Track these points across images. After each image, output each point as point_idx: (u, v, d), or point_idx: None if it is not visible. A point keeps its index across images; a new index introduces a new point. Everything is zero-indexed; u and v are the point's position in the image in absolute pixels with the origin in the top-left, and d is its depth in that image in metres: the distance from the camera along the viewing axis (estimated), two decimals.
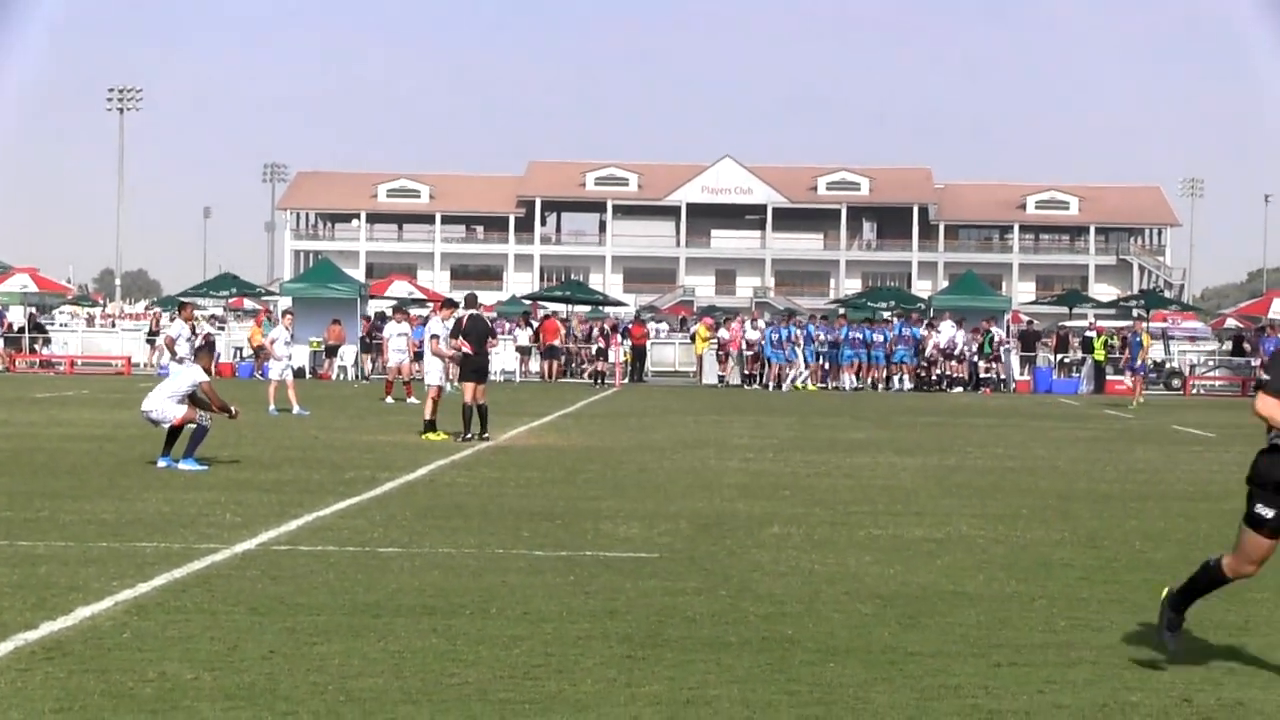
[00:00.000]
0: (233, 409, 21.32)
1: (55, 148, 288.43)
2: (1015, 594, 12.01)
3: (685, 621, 10.68)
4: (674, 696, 8.66)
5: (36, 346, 62.73)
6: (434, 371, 27.82)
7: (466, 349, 26.46)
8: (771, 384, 53.57)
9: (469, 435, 26.03)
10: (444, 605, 11.10)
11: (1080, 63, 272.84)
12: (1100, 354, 55.78)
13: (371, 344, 56.21)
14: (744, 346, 55.68)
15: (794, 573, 12.83)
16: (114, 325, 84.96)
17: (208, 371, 21.14)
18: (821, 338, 54.88)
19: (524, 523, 15.62)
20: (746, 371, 55.57)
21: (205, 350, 22.07)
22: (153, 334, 60.43)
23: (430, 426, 26.93)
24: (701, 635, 10.24)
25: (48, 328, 68.37)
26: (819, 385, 53.97)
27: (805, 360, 54.25)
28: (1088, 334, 60.22)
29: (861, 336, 54.72)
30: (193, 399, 20.81)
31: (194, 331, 30.63)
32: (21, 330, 63.47)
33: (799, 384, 53.71)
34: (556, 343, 58.36)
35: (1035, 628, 10.70)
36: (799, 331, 54.62)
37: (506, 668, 9.22)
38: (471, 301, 27.56)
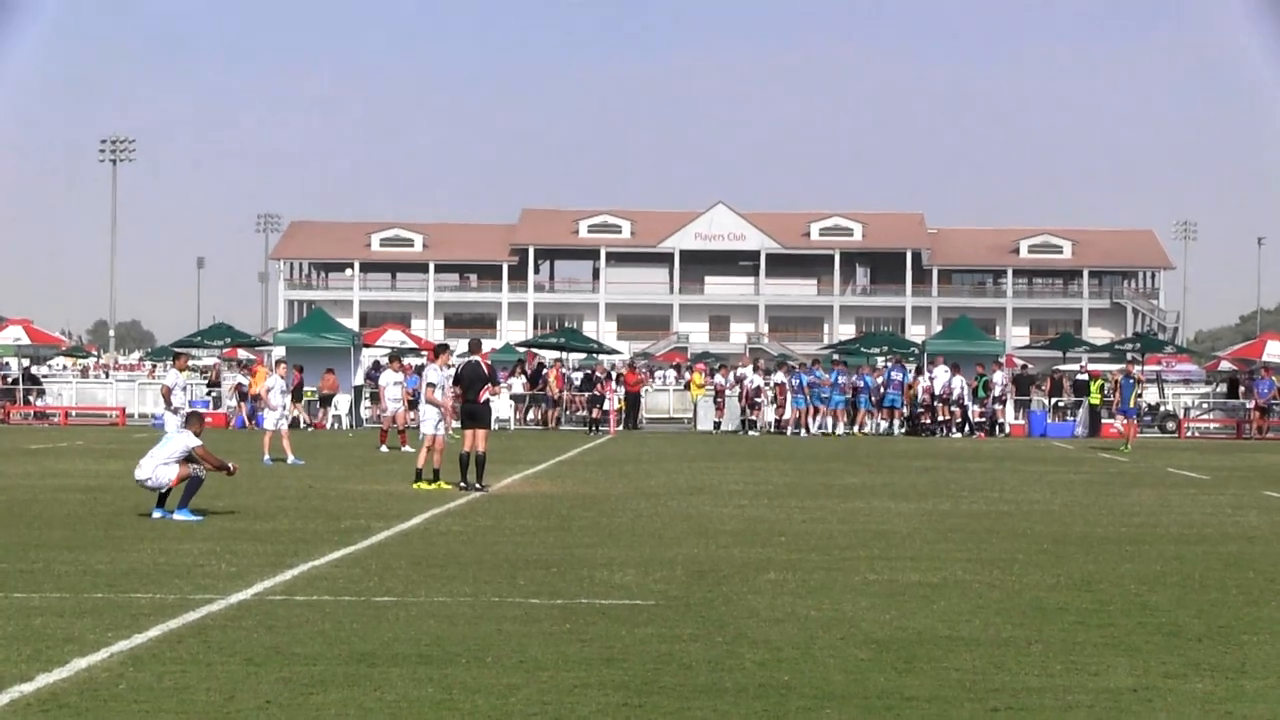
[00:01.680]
0: (230, 466, 21.30)
1: (48, 199, 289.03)
2: (1011, 638, 12.00)
3: (682, 668, 10.68)
4: None
5: (31, 398, 62.69)
6: (429, 420, 27.55)
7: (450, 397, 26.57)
8: (803, 429, 53.72)
9: (464, 484, 25.91)
10: (440, 654, 11.09)
11: (1072, 106, 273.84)
12: (1096, 397, 55.80)
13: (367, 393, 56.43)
14: (753, 392, 55.64)
15: (790, 618, 12.82)
16: (107, 376, 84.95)
17: (198, 436, 21.05)
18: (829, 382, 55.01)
19: (519, 571, 15.61)
20: (749, 417, 55.57)
21: (195, 417, 21.93)
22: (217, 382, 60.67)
23: (421, 475, 26.70)
24: (698, 682, 10.24)
25: (42, 379, 68.33)
26: (820, 430, 54.00)
27: (814, 405, 54.36)
28: (1079, 377, 60.23)
29: (849, 381, 54.80)
30: (188, 459, 20.77)
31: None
32: (15, 382, 63.46)
33: (834, 431, 53.91)
34: (545, 390, 58.53)
35: (1031, 672, 10.70)
36: (826, 376, 54.79)
37: (503, 716, 9.21)
38: (473, 347, 27.40)
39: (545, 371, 60.24)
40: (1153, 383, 65.36)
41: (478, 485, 25.82)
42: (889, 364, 57.22)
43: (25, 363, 67.53)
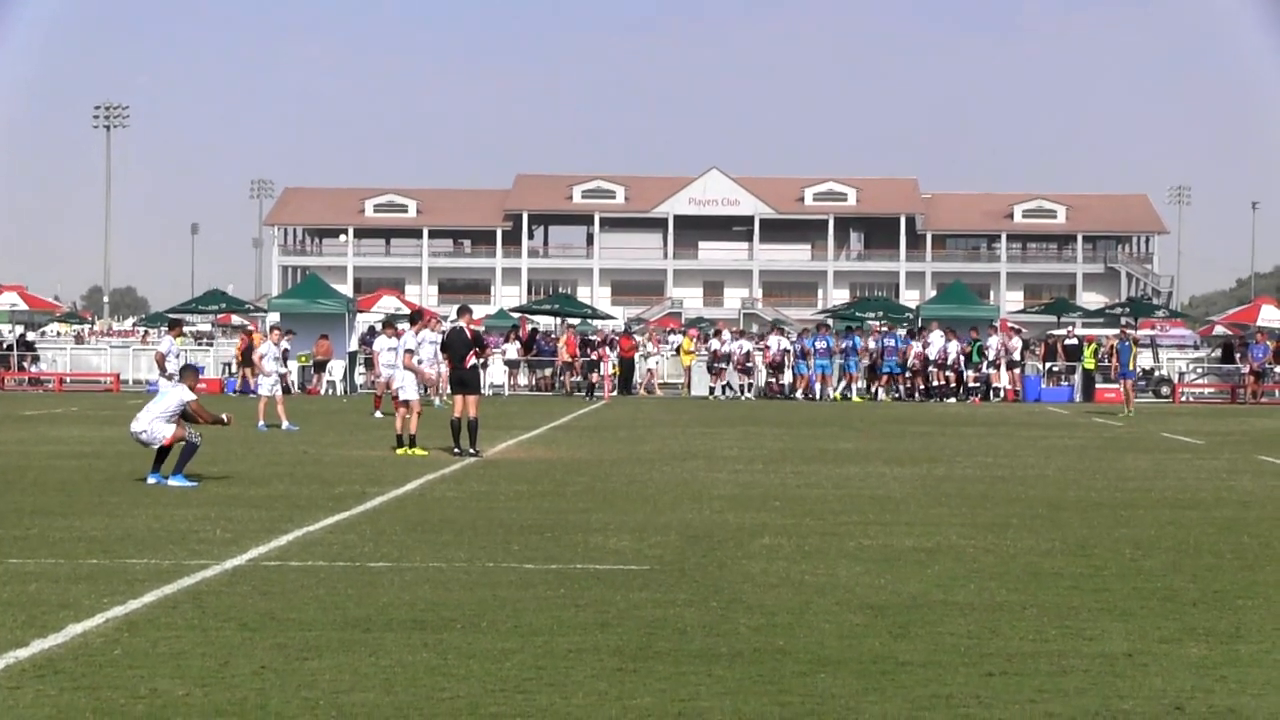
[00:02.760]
0: (225, 417, 21.41)
1: (42, 165, 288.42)
2: (1006, 603, 12.01)
3: (676, 633, 10.68)
4: (665, 709, 8.66)
5: (25, 364, 62.64)
6: (409, 387, 27.51)
7: (443, 364, 26.62)
8: (798, 393, 53.82)
9: (458, 449, 25.92)
10: (434, 619, 11.09)
11: (1067, 71, 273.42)
12: (1090, 362, 55.80)
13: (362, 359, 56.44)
14: (743, 357, 55.61)
15: (784, 583, 12.83)
16: (101, 341, 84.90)
17: (194, 390, 21.09)
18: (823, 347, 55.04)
19: (514, 536, 15.62)
20: (740, 382, 55.57)
21: (190, 370, 21.98)
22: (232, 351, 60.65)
23: (404, 442, 26.62)
24: (692, 647, 10.24)
25: (36, 345, 68.27)
26: (809, 396, 54.02)
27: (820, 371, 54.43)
28: (1068, 342, 60.22)
29: (830, 345, 54.75)
30: (183, 415, 20.80)
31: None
32: (10, 348, 63.40)
33: (852, 395, 54.07)
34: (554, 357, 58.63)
35: (1026, 637, 10.71)
36: (837, 342, 54.77)
37: (498, 681, 9.22)
38: (460, 312, 27.37)
39: (554, 337, 60.19)
40: (1147, 348, 65.35)
41: (471, 450, 25.82)
42: (882, 330, 57.19)
43: (20, 329, 67.45)
